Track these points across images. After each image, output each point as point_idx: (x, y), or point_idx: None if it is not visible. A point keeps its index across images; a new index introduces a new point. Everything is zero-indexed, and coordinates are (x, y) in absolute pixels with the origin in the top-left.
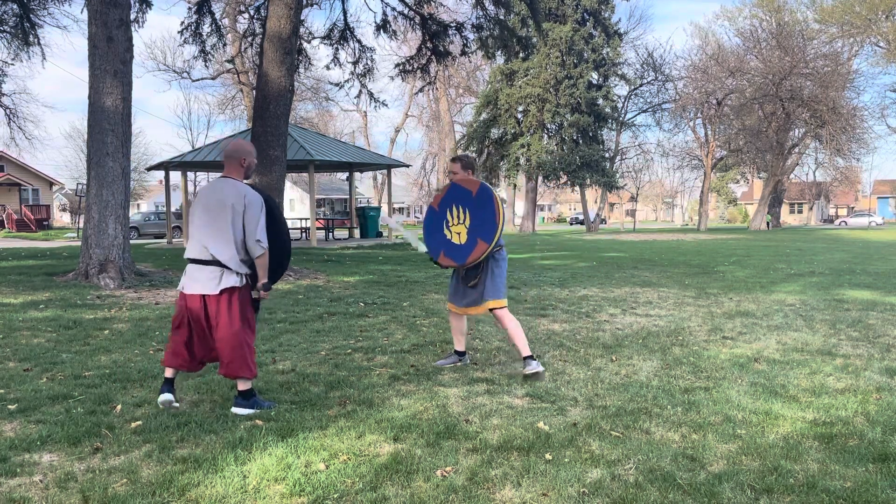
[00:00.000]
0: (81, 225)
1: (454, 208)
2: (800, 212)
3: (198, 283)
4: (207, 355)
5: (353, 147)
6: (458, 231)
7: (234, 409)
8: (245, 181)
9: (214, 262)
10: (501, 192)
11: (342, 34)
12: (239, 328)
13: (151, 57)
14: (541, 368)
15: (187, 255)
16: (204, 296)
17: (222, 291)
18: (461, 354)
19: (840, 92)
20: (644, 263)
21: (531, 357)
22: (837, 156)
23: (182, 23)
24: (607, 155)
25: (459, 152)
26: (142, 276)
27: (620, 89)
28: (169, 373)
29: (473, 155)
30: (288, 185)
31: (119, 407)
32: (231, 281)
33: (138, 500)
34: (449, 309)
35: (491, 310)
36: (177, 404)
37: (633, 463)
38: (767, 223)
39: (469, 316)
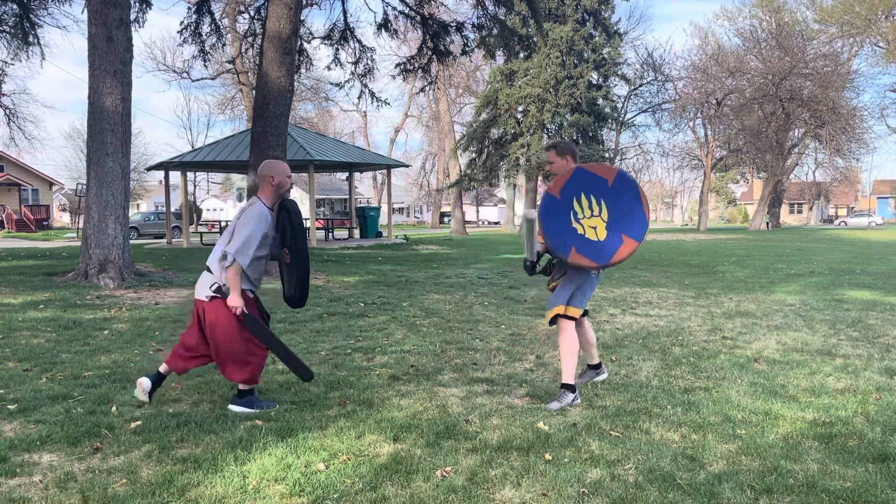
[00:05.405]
0: (81, 225)
1: (583, 198)
2: (800, 212)
3: (201, 288)
4: (209, 354)
5: (352, 147)
6: (592, 225)
7: (231, 406)
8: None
9: (209, 270)
10: (501, 192)
11: (342, 34)
12: (232, 334)
13: (151, 57)
14: (575, 401)
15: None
16: (202, 301)
17: (211, 298)
18: (595, 367)
19: (840, 92)
20: (644, 263)
21: (570, 388)
22: (837, 156)
23: (182, 23)
24: (607, 155)
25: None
26: (141, 277)
27: (620, 89)
28: (163, 368)
29: (571, 142)
30: None
31: (114, 407)
32: (209, 290)
33: (138, 500)
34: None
35: (559, 315)
36: (145, 398)
37: (632, 463)
38: (767, 223)
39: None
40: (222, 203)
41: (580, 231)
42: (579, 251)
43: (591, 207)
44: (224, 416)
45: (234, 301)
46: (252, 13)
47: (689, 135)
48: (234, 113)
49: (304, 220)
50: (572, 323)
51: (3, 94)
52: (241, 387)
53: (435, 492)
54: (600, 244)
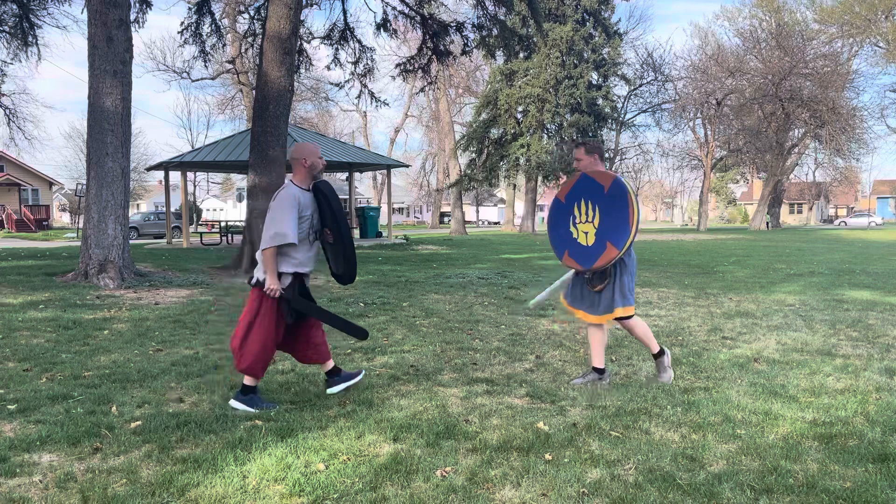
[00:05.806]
0: (81, 225)
1: (583, 203)
2: (799, 212)
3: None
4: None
5: (352, 147)
6: (585, 230)
7: (232, 402)
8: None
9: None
10: (501, 192)
11: (342, 34)
12: (246, 322)
13: (151, 57)
14: (669, 370)
15: None
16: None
17: (254, 284)
18: (601, 372)
19: (840, 92)
20: (644, 263)
21: (660, 353)
22: (837, 156)
23: (182, 23)
24: (607, 155)
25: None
26: (141, 277)
27: (620, 89)
28: (323, 367)
29: (599, 141)
30: None
31: (115, 408)
32: (257, 275)
33: (138, 500)
34: (580, 318)
35: (619, 318)
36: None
37: (632, 463)
38: (767, 223)
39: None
40: (222, 203)
41: (574, 235)
42: (571, 255)
43: (586, 213)
44: (224, 416)
45: (272, 283)
46: (252, 13)
47: (688, 135)
48: (234, 113)
49: (340, 198)
50: (633, 316)
51: (3, 94)
52: (245, 381)
53: (435, 492)
54: (587, 249)
